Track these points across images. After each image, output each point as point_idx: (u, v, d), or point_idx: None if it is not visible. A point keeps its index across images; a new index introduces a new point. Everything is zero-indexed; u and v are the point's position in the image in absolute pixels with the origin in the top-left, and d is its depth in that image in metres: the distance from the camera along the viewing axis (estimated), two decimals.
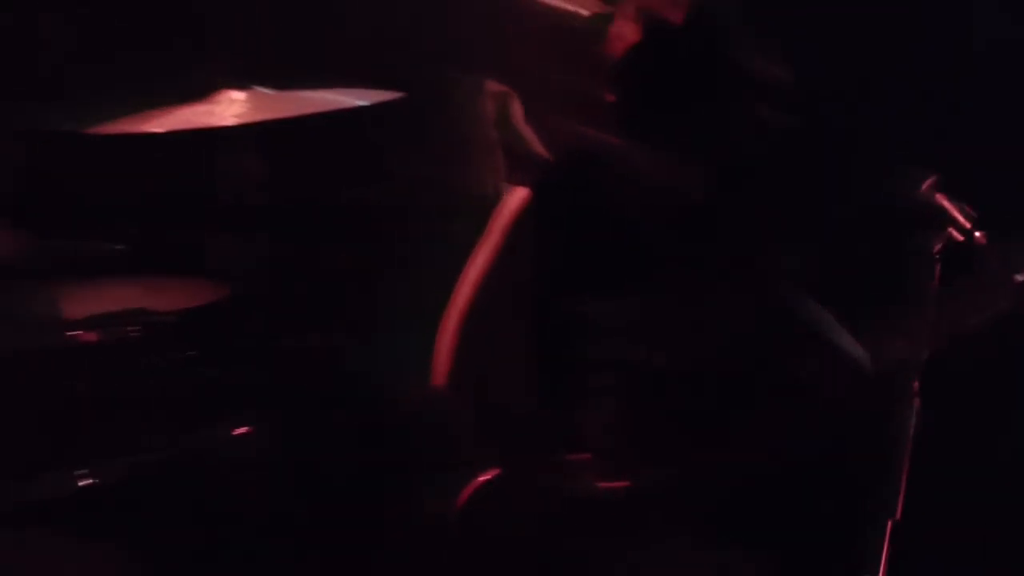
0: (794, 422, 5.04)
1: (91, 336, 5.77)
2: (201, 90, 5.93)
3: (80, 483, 5.60)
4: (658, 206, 5.17)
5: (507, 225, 5.40)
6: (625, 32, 5.25)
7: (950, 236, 4.54)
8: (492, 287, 5.31)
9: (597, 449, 5.18)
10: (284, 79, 6.09)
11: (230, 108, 5.93)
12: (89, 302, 5.87)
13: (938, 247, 4.55)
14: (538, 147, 6.23)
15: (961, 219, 4.56)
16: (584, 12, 5.95)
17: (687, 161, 5.19)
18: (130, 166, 6.34)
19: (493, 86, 6.66)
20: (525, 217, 5.41)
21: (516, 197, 5.43)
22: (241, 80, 5.94)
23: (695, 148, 5.24)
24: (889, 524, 4.04)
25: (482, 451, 5.26)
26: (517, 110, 6.51)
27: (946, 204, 4.57)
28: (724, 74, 5.21)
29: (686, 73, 5.26)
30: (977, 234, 4.46)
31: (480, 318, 5.32)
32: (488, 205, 6.14)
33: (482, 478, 5.17)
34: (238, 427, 5.92)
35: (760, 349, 5.08)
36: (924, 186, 4.64)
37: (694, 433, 5.03)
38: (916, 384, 4.31)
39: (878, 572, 4.22)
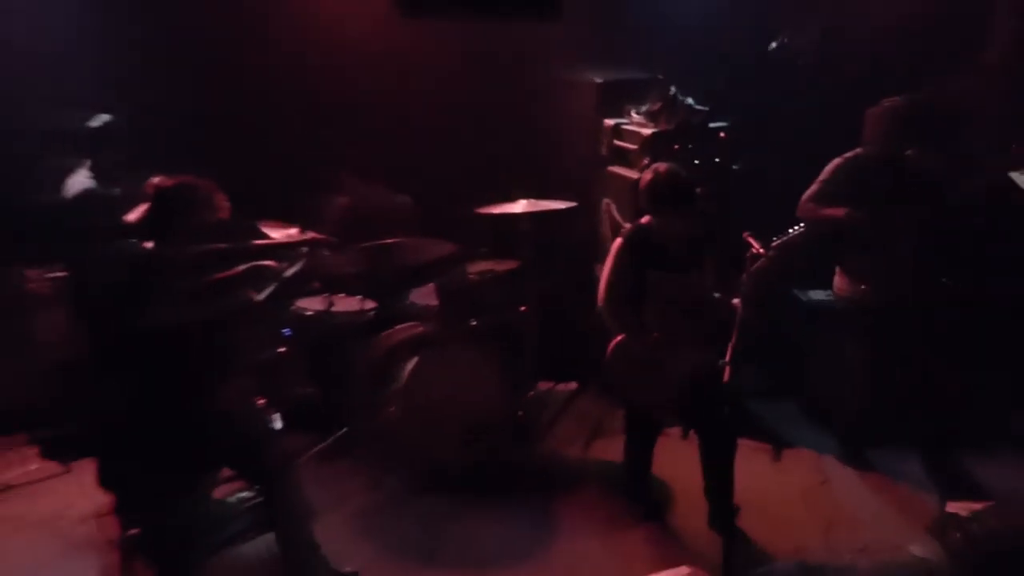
0: None
1: (475, 278, 7.29)
2: (507, 199, 7.17)
3: (473, 325, 7.21)
4: (674, 245, 6.18)
5: (616, 249, 6.30)
6: (645, 175, 6.24)
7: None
8: (616, 270, 6.22)
9: (649, 325, 6.19)
10: (535, 196, 7.18)
11: (518, 206, 7.17)
12: (472, 267, 7.48)
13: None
14: (621, 221, 7.45)
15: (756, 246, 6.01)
16: (634, 176, 7.30)
17: (689, 221, 6.17)
18: (490, 226, 7.53)
19: (606, 200, 7.80)
20: (623, 247, 6.27)
21: (617, 241, 6.37)
22: (524, 196, 7.17)
23: (693, 214, 6.18)
24: None
25: (611, 329, 6.36)
26: (613, 209, 7.68)
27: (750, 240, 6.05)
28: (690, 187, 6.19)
29: (673, 187, 6.15)
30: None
31: (613, 281, 6.24)
32: (608, 240, 7.33)
33: (614, 342, 6.31)
34: (522, 307, 7.44)
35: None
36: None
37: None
38: None
39: None
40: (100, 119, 6.95)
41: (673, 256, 6.31)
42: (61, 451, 7.28)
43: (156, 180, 5.43)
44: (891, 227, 6.66)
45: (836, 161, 6.81)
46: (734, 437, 6.25)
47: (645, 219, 6.40)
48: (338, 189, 7.86)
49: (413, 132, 8.47)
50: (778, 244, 6.08)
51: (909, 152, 6.65)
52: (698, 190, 6.36)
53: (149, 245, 5.43)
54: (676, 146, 7.46)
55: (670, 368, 6.25)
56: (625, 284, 6.34)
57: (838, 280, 7.01)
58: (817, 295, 7.59)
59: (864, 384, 7.08)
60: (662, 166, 6.39)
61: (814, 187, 6.83)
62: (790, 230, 6.14)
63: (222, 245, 5.76)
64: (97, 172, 6.88)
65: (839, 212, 6.66)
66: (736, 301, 6.05)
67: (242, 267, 5.55)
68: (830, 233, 6.62)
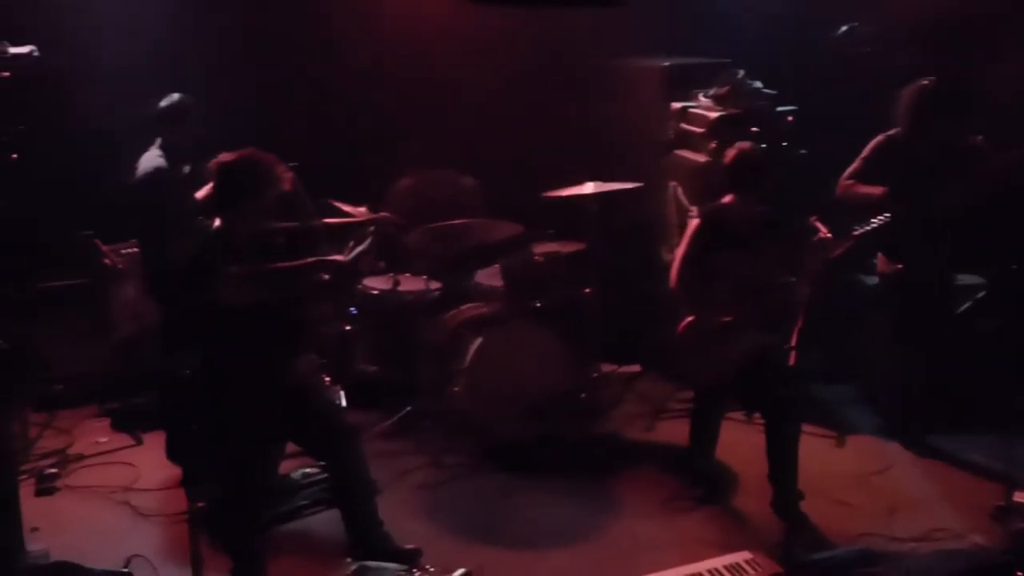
0: None
1: (539, 260, 7.17)
2: (576, 183, 7.09)
3: (537, 306, 7.11)
4: (748, 226, 6.21)
5: (694, 229, 6.31)
6: (729, 153, 6.33)
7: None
8: (691, 250, 6.20)
9: (721, 305, 6.18)
10: (601, 179, 7.12)
11: (587, 188, 7.09)
12: (538, 248, 7.35)
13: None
14: (687, 205, 7.41)
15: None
16: (701, 160, 7.40)
17: (759, 204, 6.25)
18: (557, 208, 7.42)
19: (672, 183, 7.71)
20: (701, 227, 6.29)
21: (694, 222, 6.42)
22: (592, 179, 7.08)
23: (765, 198, 6.26)
24: None
25: (683, 309, 6.38)
26: (679, 192, 7.61)
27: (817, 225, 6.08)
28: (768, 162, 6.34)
29: (756, 167, 6.28)
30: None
31: (687, 261, 6.23)
32: (674, 223, 7.54)
33: (685, 322, 6.31)
34: (586, 289, 7.36)
35: None
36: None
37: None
38: None
39: None
40: (171, 98, 6.90)
41: (747, 237, 6.29)
42: (132, 423, 7.36)
43: (218, 158, 5.46)
44: (924, 206, 6.60)
45: (874, 140, 6.84)
46: (798, 420, 6.15)
47: (726, 199, 6.38)
48: (402, 172, 8.03)
49: (482, 116, 8.52)
50: (860, 233, 6.12)
51: (944, 132, 6.60)
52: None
53: (217, 222, 5.48)
54: (753, 129, 7.32)
55: (737, 348, 6.21)
56: (699, 264, 6.31)
57: (879, 260, 7.00)
58: None
59: (895, 362, 7.06)
60: (746, 145, 6.45)
61: (853, 165, 6.91)
62: (873, 220, 6.10)
63: (290, 224, 5.84)
64: (167, 150, 6.85)
65: (875, 191, 6.68)
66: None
67: (310, 260, 5.50)
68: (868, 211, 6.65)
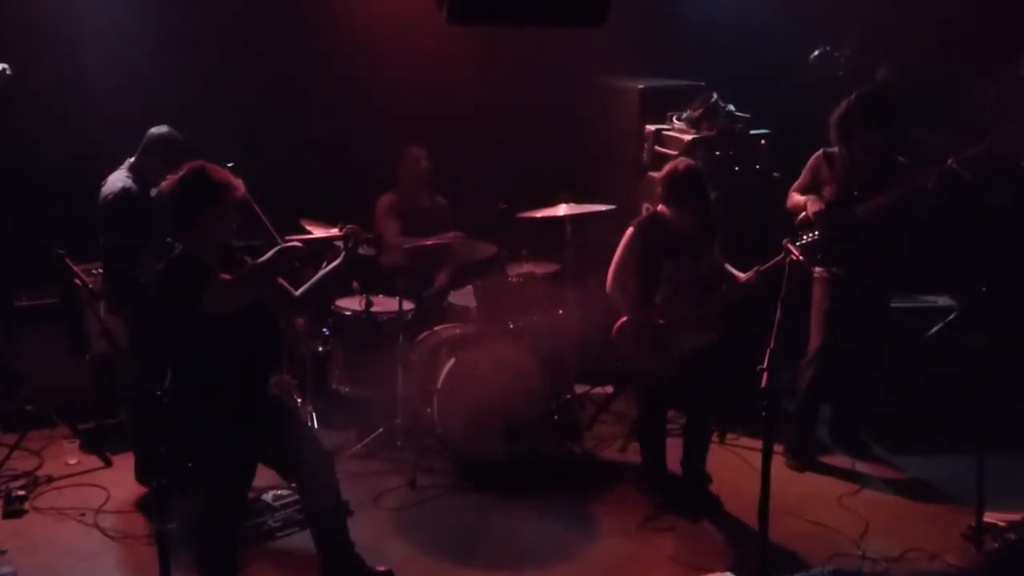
0: None
1: (514, 281, 7.19)
2: (551, 203, 7.08)
3: (510, 327, 7.09)
4: (687, 233, 6.31)
5: (627, 237, 6.44)
6: (666, 167, 6.39)
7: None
8: (623, 256, 6.36)
9: (662, 308, 6.38)
10: (577, 200, 7.08)
11: (560, 210, 7.07)
12: (512, 269, 7.34)
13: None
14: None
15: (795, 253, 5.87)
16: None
17: (704, 213, 6.32)
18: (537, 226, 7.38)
19: (646, 205, 7.44)
20: (633, 235, 6.41)
21: (629, 229, 6.48)
22: (566, 200, 7.01)
23: (707, 208, 6.38)
24: None
25: (620, 311, 6.54)
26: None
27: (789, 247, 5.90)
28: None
29: (688, 183, 6.30)
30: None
31: (620, 266, 6.39)
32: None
33: (619, 322, 6.50)
34: (559, 310, 7.26)
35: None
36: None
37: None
38: None
39: None
40: (161, 130, 6.65)
41: (685, 244, 6.45)
42: (102, 444, 7.24)
43: (165, 181, 5.24)
44: (850, 216, 6.68)
45: (814, 155, 6.96)
46: (713, 419, 6.67)
47: (660, 208, 6.53)
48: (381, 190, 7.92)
49: (458, 136, 8.43)
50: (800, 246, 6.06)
51: (869, 145, 6.66)
52: (713, 195, 6.64)
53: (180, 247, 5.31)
54: (718, 152, 7.37)
55: (673, 347, 6.41)
56: (631, 269, 6.52)
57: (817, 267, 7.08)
58: None
59: (820, 363, 7.05)
60: (682, 162, 6.57)
61: (800, 179, 7.05)
62: (804, 236, 6.04)
63: (254, 243, 5.81)
64: (136, 172, 6.63)
65: (801, 200, 6.84)
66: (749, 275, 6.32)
67: (272, 251, 5.25)
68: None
